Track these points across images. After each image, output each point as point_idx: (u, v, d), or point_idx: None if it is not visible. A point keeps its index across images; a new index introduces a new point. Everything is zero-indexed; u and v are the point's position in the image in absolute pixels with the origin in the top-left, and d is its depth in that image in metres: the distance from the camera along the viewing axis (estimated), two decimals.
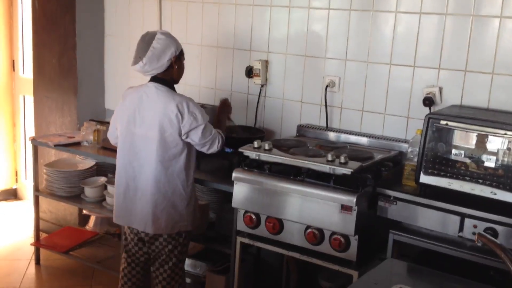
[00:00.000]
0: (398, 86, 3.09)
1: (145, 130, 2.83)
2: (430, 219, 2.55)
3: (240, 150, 2.87)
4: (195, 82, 3.87)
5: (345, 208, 2.58)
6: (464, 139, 2.57)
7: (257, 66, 3.50)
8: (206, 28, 3.78)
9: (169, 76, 2.88)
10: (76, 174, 3.92)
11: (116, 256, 3.77)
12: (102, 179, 3.89)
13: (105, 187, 3.77)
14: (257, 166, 2.86)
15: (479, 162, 2.51)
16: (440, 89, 2.95)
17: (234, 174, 2.87)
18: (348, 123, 3.29)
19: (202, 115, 2.84)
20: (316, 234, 2.68)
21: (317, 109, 3.38)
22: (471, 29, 2.84)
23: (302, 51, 3.39)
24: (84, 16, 4.25)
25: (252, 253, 3.46)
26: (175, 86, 2.94)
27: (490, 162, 2.48)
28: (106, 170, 4.03)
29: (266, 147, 2.82)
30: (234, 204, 2.90)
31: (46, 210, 4.60)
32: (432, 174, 2.58)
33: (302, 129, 3.38)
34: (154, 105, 2.81)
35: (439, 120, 2.56)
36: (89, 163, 4.04)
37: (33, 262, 4.17)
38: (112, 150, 3.12)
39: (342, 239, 2.63)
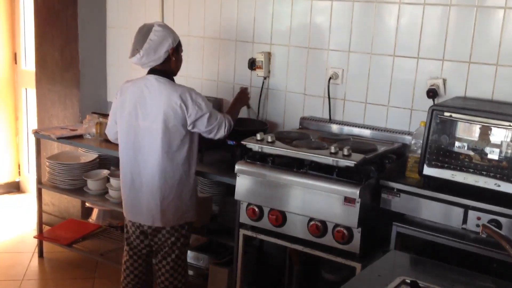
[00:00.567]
0: (401, 78, 3.08)
1: (149, 122, 2.83)
2: (434, 211, 2.55)
3: (242, 142, 2.86)
4: (197, 75, 3.85)
5: (348, 200, 2.57)
6: (468, 131, 2.56)
7: (260, 58, 3.48)
8: (208, 20, 3.76)
9: (167, 68, 2.88)
10: (79, 167, 3.92)
11: (119, 249, 3.77)
12: (105, 172, 3.89)
13: (108, 180, 3.77)
14: (260, 159, 2.86)
15: (483, 154, 2.50)
16: (444, 81, 2.94)
17: (236, 167, 2.86)
18: (351, 115, 3.28)
19: (206, 103, 2.84)
20: (319, 227, 2.67)
21: (320, 101, 3.37)
22: (475, 20, 2.82)
23: (305, 43, 3.37)
24: (86, 9, 4.23)
25: (255, 245, 3.46)
26: (176, 78, 2.94)
27: (494, 154, 2.47)
28: (108, 162, 4.03)
29: (269, 140, 2.81)
30: (237, 196, 2.90)
31: (49, 203, 4.61)
32: (436, 166, 2.57)
33: (305, 122, 3.37)
34: (157, 97, 2.81)
35: (443, 111, 2.55)
36: (91, 155, 4.04)
37: (36, 255, 4.17)
38: (115, 143, 3.11)
39: (345, 231, 2.62)
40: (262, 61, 3.48)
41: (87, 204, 4.32)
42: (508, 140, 2.44)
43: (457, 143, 2.56)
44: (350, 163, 2.56)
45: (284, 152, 2.75)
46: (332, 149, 2.63)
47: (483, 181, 2.46)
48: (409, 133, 3.01)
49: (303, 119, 3.38)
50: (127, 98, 2.90)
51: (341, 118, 3.31)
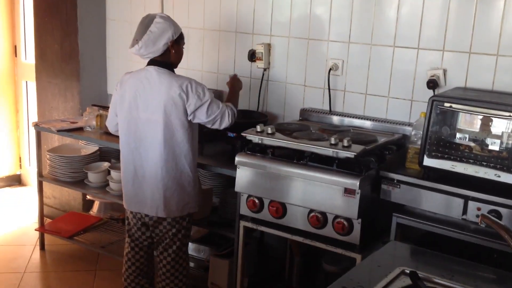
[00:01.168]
0: (402, 68, 3.07)
1: (150, 114, 2.83)
2: (434, 202, 2.54)
3: (243, 134, 2.86)
4: (197, 67, 3.85)
5: (348, 191, 2.57)
6: (468, 122, 2.55)
7: (260, 49, 3.48)
8: (208, 12, 3.75)
9: (167, 60, 2.87)
10: (79, 160, 3.92)
11: (120, 241, 3.78)
12: (106, 164, 3.89)
13: (109, 172, 3.77)
14: (260, 150, 2.86)
15: (483, 145, 2.49)
16: (444, 71, 2.93)
17: (237, 159, 2.86)
18: (352, 107, 3.27)
19: (206, 93, 2.84)
20: (319, 218, 2.67)
21: (320, 93, 3.36)
22: (475, 10, 2.81)
23: (305, 34, 3.36)
24: (86, 1, 4.22)
25: (256, 237, 3.47)
26: (176, 70, 2.93)
27: (494, 145, 2.46)
28: (109, 155, 4.03)
29: (269, 131, 2.81)
30: (237, 188, 2.90)
31: (50, 195, 4.62)
32: (436, 157, 2.57)
33: (305, 113, 3.36)
34: (157, 88, 2.80)
35: (443, 102, 2.54)
36: (92, 148, 4.04)
37: (37, 248, 4.18)
38: (115, 135, 3.11)
39: (345, 223, 2.62)
40: (262, 53, 3.47)
41: (88, 197, 4.32)
42: (509, 130, 2.43)
43: (457, 134, 2.56)
44: (350, 154, 2.56)
45: (284, 143, 2.75)
46: (332, 141, 2.63)
47: (483, 171, 2.46)
48: (409, 124, 3.00)
49: (303, 110, 3.38)
50: (127, 90, 2.89)
51: (341, 109, 3.31)
